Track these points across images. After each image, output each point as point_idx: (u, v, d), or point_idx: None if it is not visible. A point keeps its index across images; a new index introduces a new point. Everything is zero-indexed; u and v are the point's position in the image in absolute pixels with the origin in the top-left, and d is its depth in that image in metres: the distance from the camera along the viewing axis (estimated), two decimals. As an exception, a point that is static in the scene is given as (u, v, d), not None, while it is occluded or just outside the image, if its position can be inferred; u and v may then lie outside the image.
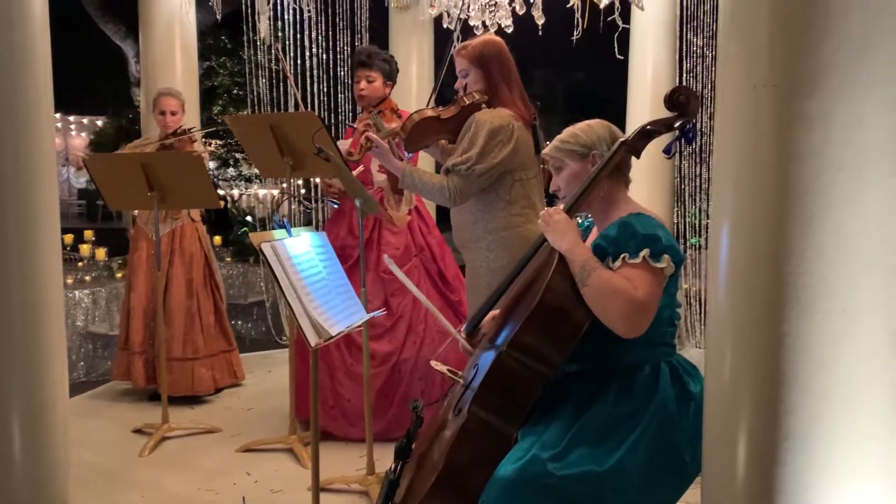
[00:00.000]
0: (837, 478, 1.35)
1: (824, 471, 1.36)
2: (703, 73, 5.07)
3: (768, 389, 1.40)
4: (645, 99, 4.94)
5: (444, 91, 5.70)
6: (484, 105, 2.76)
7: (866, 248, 1.35)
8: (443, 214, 3.70)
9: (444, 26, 4.18)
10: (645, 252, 1.81)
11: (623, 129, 2.12)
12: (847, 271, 1.35)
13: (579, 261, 1.85)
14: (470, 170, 2.66)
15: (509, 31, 3.76)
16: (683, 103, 1.95)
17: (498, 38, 2.83)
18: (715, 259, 1.51)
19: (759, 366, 1.41)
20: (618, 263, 1.84)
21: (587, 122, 2.09)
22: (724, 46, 1.51)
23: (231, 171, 13.43)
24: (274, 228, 2.44)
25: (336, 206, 3.77)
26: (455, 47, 5.21)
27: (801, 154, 1.36)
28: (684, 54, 5.11)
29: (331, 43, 5.55)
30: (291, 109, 5.33)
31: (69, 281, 6.14)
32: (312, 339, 2.21)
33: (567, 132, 2.07)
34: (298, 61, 5.47)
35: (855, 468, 1.35)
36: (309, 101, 5.48)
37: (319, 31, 5.52)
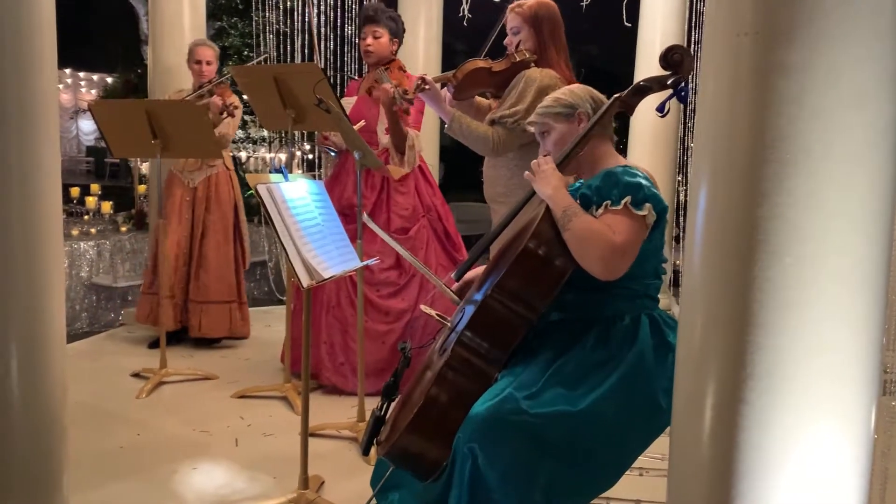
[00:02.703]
0: (797, 415, 1.39)
1: (785, 408, 1.40)
2: (710, 44, 5.05)
3: (737, 330, 1.44)
4: (652, 68, 4.88)
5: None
6: (532, 64, 2.85)
7: (836, 195, 1.38)
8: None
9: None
10: (627, 199, 1.85)
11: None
12: (817, 218, 1.39)
13: (562, 205, 1.90)
14: (516, 123, 2.76)
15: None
16: (678, 62, 1.99)
17: (552, 2, 2.92)
18: (694, 203, 1.55)
19: (730, 307, 1.45)
20: (600, 211, 1.89)
21: (566, 87, 2.16)
22: (711, -5, 1.54)
23: (239, 132, 13.42)
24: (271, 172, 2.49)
25: (332, 154, 3.81)
26: (466, 8, 5.23)
27: (779, 102, 1.39)
28: (693, 25, 5.09)
29: (339, 1, 5.55)
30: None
31: (74, 233, 6.22)
32: (305, 280, 2.26)
33: (548, 98, 2.13)
34: (306, 19, 5.47)
35: (814, 406, 1.39)
36: (316, 59, 5.50)
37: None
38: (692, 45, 5.08)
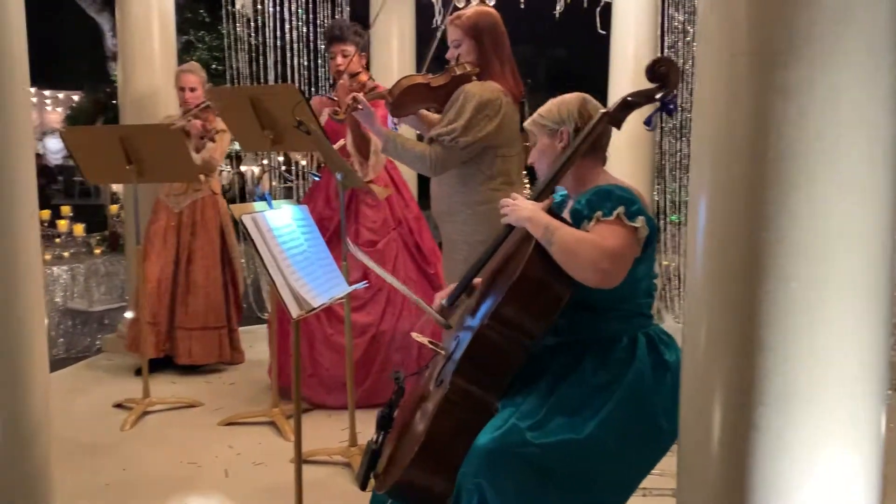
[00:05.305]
0: (809, 440, 1.38)
1: (797, 433, 1.38)
2: (683, 48, 5.09)
3: (745, 356, 1.42)
4: (626, 74, 4.92)
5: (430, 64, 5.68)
6: (474, 77, 2.72)
7: (840, 216, 1.36)
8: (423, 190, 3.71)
9: (426, -1, 4.15)
10: (620, 210, 1.82)
11: (605, 105, 2.13)
12: (822, 239, 1.37)
13: (542, 224, 1.85)
14: (454, 141, 2.63)
15: (491, 3, 3.74)
16: (664, 74, 1.96)
17: (493, 11, 2.80)
18: (693, 227, 1.53)
19: (736, 332, 1.43)
20: (592, 223, 1.85)
21: (564, 96, 2.09)
22: (704, 16, 1.52)
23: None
24: (255, 201, 2.44)
25: (317, 179, 3.77)
26: (438, 20, 5.17)
27: (778, 123, 1.37)
28: (665, 29, 5.12)
29: (310, 16, 5.50)
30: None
31: (47, 257, 6.07)
32: (294, 311, 2.22)
33: (546, 106, 2.09)
34: (278, 34, 5.42)
35: (825, 430, 1.38)
36: (289, 74, 5.44)
37: (299, 5, 5.46)
38: (665, 51, 5.10)
